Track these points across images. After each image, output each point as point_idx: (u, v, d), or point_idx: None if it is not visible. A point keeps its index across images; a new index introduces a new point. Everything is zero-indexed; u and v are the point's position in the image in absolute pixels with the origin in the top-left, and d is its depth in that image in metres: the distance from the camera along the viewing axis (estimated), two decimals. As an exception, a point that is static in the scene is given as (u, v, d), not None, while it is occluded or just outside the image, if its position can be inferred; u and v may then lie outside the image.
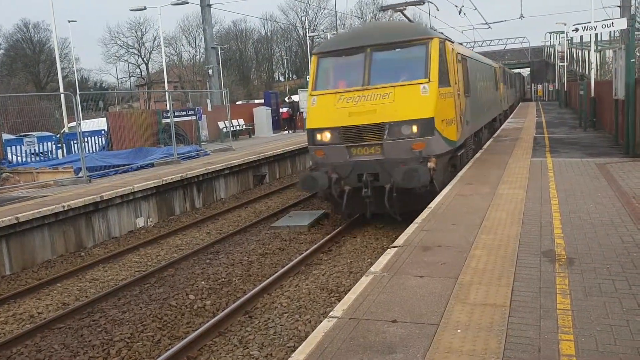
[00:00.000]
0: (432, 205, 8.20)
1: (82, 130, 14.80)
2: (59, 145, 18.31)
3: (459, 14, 28.51)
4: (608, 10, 64.96)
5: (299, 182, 9.89)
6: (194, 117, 20.43)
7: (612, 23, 18.59)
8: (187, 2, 29.44)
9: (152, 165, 16.25)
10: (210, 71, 28.51)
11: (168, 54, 68.50)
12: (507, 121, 26.26)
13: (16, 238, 9.42)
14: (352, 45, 10.06)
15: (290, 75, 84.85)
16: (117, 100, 65.35)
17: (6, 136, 17.89)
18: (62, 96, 24.99)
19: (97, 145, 18.97)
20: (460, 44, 15.68)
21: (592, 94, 19.62)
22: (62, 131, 22.46)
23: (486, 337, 3.78)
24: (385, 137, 9.15)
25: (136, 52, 74.92)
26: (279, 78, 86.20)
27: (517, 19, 48.35)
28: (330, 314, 4.39)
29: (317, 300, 6.97)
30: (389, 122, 9.12)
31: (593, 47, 21.28)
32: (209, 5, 28.46)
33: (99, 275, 8.93)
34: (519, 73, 51.24)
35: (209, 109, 26.25)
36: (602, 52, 25.77)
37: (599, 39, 25.69)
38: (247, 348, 5.77)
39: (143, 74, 76.07)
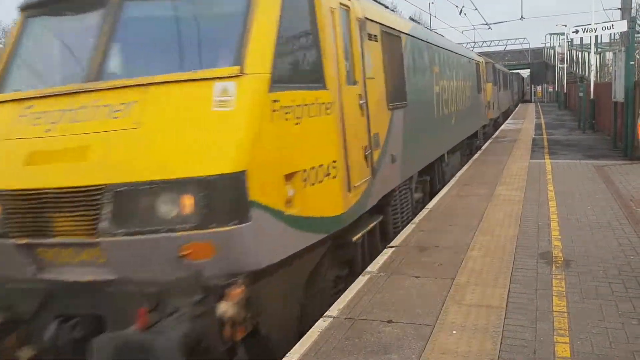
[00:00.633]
0: (430, 205, 8.19)
1: None
2: None
3: (460, 14, 28.48)
4: (609, 12, 65.15)
5: None
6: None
7: (612, 25, 18.56)
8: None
9: None
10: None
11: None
12: (505, 122, 26.22)
13: None
14: None
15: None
16: None
17: None
18: None
19: None
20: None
21: (592, 96, 19.63)
22: None
23: (482, 339, 3.77)
24: (107, 223, 3.49)
25: None
26: None
27: (518, 20, 48.52)
28: (326, 313, 4.38)
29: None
30: (119, 185, 3.49)
31: (593, 49, 21.27)
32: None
33: None
34: (518, 73, 51.09)
35: None
36: (602, 55, 25.77)
37: (599, 41, 25.67)
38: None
39: None
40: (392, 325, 4.08)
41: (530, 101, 55.52)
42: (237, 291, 3.46)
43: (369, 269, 5.42)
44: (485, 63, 18.74)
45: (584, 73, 29.16)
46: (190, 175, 3.42)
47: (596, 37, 20.97)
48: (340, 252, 5.16)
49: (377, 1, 7.09)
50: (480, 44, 59.52)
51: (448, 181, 10.30)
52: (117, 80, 3.89)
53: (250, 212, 3.50)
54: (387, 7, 7.94)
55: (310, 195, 4.16)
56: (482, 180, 10.05)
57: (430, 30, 14.07)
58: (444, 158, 10.32)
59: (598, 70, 23.22)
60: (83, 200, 3.52)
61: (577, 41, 33.23)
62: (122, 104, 3.74)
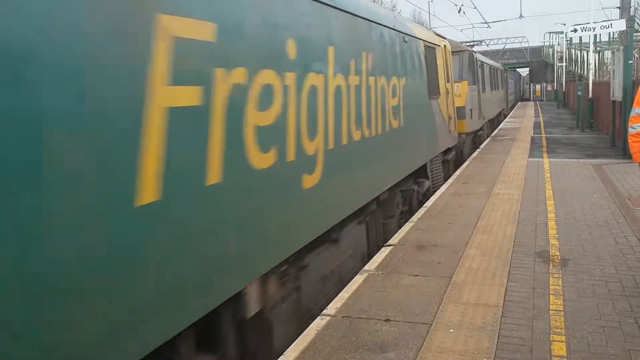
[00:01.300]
0: (428, 204, 8.20)
1: None
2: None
3: (459, 12, 28.44)
4: (607, 11, 65.25)
5: None
6: None
7: (611, 24, 18.59)
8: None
9: None
10: None
11: None
12: (504, 121, 26.21)
13: None
14: None
15: None
16: None
17: None
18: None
19: None
20: None
21: (590, 95, 19.64)
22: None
23: (478, 337, 3.78)
24: None
25: None
26: None
27: (517, 18, 48.51)
28: (324, 312, 4.39)
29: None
30: None
31: (592, 48, 21.29)
32: None
33: None
34: (515, 70, 50.94)
35: None
36: (600, 53, 25.79)
37: (598, 40, 25.70)
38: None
39: None
40: (389, 324, 4.09)
41: (529, 100, 55.62)
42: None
43: (366, 267, 5.43)
44: (460, 52, 13.49)
45: (582, 72, 29.19)
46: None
47: (595, 36, 21.00)
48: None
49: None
50: (480, 42, 59.51)
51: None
52: None
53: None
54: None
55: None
56: (481, 178, 10.07)
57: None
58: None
59: (597, 69, 23.24)
60: None
61: (575, 40, 33.31)
62: None
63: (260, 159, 3.47)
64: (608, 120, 15.45)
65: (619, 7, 21.83)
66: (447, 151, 11.05)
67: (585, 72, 25.75)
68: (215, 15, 3.03)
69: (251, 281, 3.56)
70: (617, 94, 13.13)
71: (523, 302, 4.36)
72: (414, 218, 7.39)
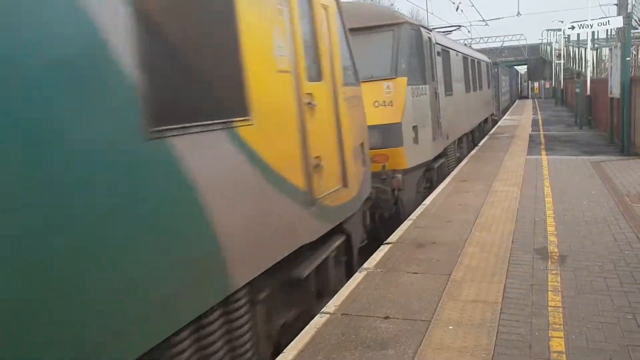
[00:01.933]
0: (427, 202, 8.21)
1: None
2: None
3: (456, 10, 28.44)
4: (605, 8, 65.14)
5: None
6: None
7: (609, 21, 18.63)
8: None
9: None
10: None
11: None
12: (503, 118, 26.24)
13: None
14: None
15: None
16: None
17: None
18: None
19: None
20: None
21: (588, 92, 19.67)
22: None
23: (477, 334, 3.80)
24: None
25: None
26: None
27: (514, 16, 48.54)
28: (323, 309, 4.40)
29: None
30: None
31: (589, 45, 21.31)
32: None
33: None
34: (512, 67, 50.83)
35: None
36: (598, 51, 25.82)
37: (596, 37, 25.74)
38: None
39: None
40: (388, 321, 4.10)
41: (527, 97, 55.68)
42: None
43: (365, 265, 5.44)
44: (390, 25, 8.20)
45: (580, 69, 29.22)
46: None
47: (592, 33, 21.03)
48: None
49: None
50: (477, 40, 59.61)
51: None
52: None
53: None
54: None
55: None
56: (479, 176, 10.09)
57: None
58: None
59: (595, 66, 23.27)
60: None
61: (573, 37, 33.35)
62: None
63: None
64: (606, 117, 15.46)
65: (616, 5, 21.87)
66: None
67: (583, 70, 25.78)
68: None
69: None
70: (615, 91, 13.14)
71: (522, 299, 4.38)
72: (413, 216, 7.40)
